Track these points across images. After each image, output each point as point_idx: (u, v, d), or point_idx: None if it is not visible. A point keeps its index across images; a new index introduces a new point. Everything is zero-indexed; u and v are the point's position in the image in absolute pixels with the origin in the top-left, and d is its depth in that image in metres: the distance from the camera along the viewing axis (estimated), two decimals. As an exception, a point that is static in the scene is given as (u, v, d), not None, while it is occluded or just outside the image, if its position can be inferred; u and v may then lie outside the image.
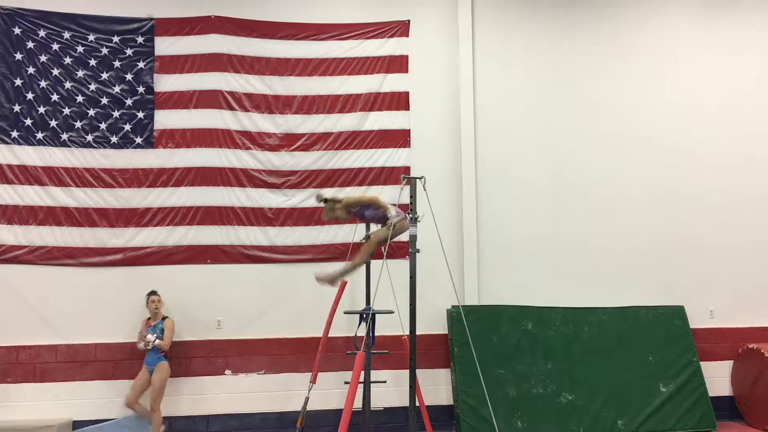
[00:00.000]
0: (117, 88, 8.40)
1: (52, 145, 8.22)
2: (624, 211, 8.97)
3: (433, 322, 8.44)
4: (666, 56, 9.25)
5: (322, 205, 6.14)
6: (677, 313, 8.68)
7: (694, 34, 9.34)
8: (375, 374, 7.27)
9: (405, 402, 5.72)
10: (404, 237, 5.94)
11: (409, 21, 8.89)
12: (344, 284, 7.61)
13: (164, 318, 7.89)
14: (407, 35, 8.87)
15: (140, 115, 8.41)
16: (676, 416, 8.12)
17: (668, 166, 9.08)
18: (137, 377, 7.72)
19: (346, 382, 5.71)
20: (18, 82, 8.22)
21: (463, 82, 8.82)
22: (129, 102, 8.40)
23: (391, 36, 8.84)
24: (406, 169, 8.59)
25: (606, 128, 9.07)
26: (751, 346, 8.55)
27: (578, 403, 8.09)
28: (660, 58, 9.24)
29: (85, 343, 7.95)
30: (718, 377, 8.71)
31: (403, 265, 6.09)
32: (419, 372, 7.15)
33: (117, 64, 8.42)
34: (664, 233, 8.98)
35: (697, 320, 8.77)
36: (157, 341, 7.66)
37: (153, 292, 7.92)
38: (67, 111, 8.28)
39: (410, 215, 5.02)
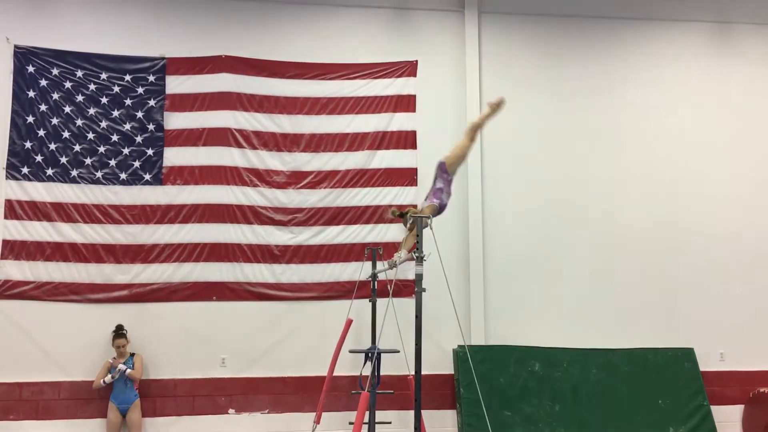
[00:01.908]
0: (127, 126, 8.50)
1: (61, 182, 8.28)
2: (632, 253, 8.92)
3: (439, 362, 8.35)
4: (671, 93, 9.32)
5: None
6: (687, 355, 8.57)
7: (699, 72, 9.40)
8: (380, 415, 7.17)
9: (410, 444, 5.64)
10: (410, 275, 5.91)
11: (417, 61, 9.00)
12: (349, 322, 7.58)
13: (132, 354, 7.87)
14: (415, 75, 8.96)
15: (150, 152, 8.48)
16: (687, 461, 7.98)
17: (679, 206, 9.06)
18: (110, 419, 7.64)
19: (351, 423, 5.64)
20: (30, 119, 8.32)
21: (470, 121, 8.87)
22: (139, 139, 8.49)
23: (399, 76, 8.94)
24: (413, 208, 8.58)
25: (615, 166, 9.09)
26: (762, 390, 8.42)
27: (587, 447, 7.95)
28: (665, 95, 9.30)
29: (89, 380, 7.86)
30: (729, 422, 8.54)
31: (408, 304, 6.08)
32: (425, 413, 7.04)
33: (128, 102, 8.53)
34: (673, 274, 8.91)
35: (707, 363, 8.64)
36: (129, 370, 7.64)
37: (122, 335, 7.82)
38: (77, 148, 8.37)
39: (416, 254, 4.99)
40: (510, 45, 9.21)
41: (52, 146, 8.32)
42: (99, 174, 8.38)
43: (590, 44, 9.33)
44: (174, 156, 8.52)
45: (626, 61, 9.35)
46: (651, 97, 9.28)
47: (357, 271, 8.20)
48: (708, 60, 9.45)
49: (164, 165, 8.49)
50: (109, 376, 7.64)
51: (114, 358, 7.80)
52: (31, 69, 8.38)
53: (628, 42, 9.39)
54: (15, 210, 8.13)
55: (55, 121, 8.37)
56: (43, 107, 8.37)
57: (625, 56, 9.35)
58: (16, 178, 8.19)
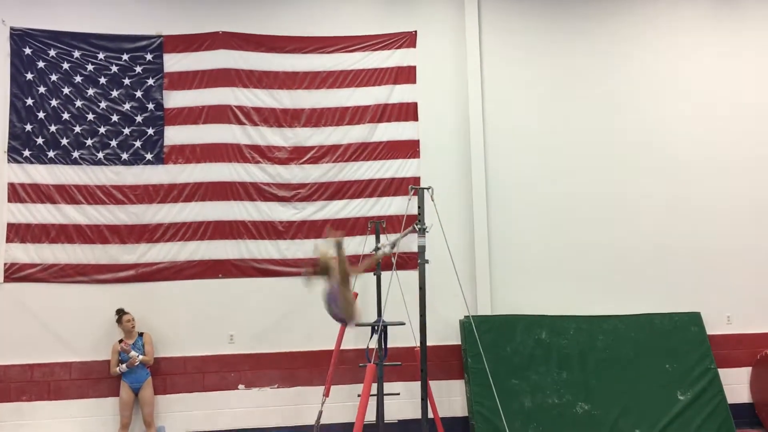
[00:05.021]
0: (127, 106, 8.46)
1: (63, 164, 8.28)
2: (637, 218, 8.89)
3: (446, 333, 8.39)
4: (675, 56, 9.22)
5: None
6: (693, 319, 8.58)
7: (703, 36, 9.27)
8: (389, 386, 7.24)
9: (419, 414, 5.68)
10: (414, 248, 5.91)
11: (416, 32, 8.90)
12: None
13: (141, 334, 7.92)
14: (414, 46, 8.87)
15: (150, 131, 8.46)
16: (694, 424, 7.99)
17: (682, 170, 9.00)
18: (123, 397, 7.71)
19: (359, 395, 5.68)
20: (29, 101, 8.29)
21: (472, 92, 8.80)
22: (139, 119, 8.46)
23: (399, 47, 8.85)
24: (416, 180, 8.58)
25: (617, 134, 9.01)
26: (769, 351, 8.45)
27: (595, 413, 8.00)
28: (669, 58, 9.20)
29: (99, 360, 7.96)
30: (736, 384, 8.59)
31: (413, 276, 6.09)
32: (433, 383, 7.11)
33: (127, 81, 8.48)
34: (678, 239, 8.88)
35: (714, 326, 8.65)
36: (142, 357, 7.72)
37: (125, 311, 7.88)
38: (78, 129, 8.35)
39: (419, 226, 5.00)
40: (509, 10, 9.08)
41: (53, 128, 8.30)
42: (100, 155, 8.36)
43: (592, 6, 9.19)
44: (175, 135, 8.48)
45: (629, 23, 9.21)
46: (655, 60, 9.17)
47: (361, 244, 8.21)
48: (712, 24, 9.29)
49: (165, 144, 8.46)
50: (124, 365, 7.68)
51: (120, 340, 7.84)
52: (28, 51, 8.33)
53: (631, 4, 9.24)
54: (18, 193, 8.15)
55: (54, 102, 8.33)
56: (41, 89, 8.33)
57: (628, 19, 9.21)
58: (18, 161, 8.19)
